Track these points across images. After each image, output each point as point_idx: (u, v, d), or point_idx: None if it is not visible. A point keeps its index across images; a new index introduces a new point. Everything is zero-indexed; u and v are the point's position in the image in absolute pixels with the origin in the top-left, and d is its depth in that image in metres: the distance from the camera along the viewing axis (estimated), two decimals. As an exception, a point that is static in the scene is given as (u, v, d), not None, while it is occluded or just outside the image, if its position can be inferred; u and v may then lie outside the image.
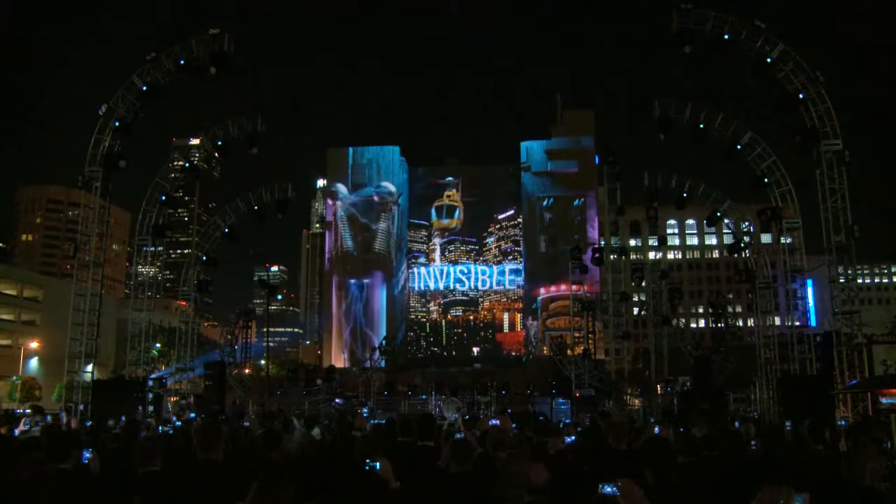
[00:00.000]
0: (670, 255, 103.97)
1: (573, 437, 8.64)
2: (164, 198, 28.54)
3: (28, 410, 17.07)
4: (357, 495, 4.92)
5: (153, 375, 29.86)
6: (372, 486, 4.96)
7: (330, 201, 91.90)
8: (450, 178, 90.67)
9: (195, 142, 39.18)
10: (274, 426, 10.12)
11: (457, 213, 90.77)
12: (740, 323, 71.51)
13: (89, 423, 16.13)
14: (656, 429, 11.61)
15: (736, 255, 31.11)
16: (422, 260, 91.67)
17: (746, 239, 29.06)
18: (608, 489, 3.89)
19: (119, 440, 10.04)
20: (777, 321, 28.77)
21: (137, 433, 9.96)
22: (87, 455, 5.70)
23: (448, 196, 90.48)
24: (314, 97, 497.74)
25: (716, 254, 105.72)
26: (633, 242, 56.25)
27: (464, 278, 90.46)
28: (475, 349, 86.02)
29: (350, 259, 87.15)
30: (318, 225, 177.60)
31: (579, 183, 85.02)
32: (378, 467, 5.07)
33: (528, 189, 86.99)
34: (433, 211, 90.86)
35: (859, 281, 28.65)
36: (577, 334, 45.61)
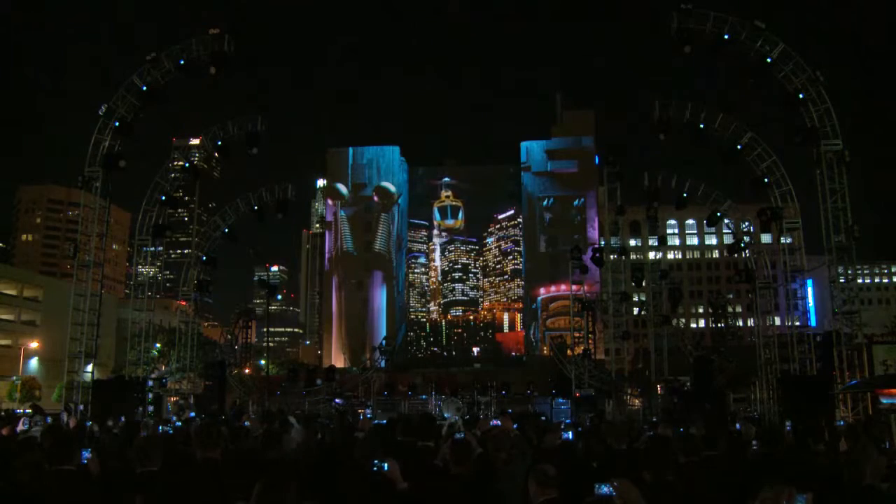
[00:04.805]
0: (670, 255, 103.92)
1: (570, 434, 8.63)
2: (164, 198, 28.50)
3: (28, 410, 17.07)
4: (366, 496, 4.93)
5: (153, 375, 29.84)
6: (380, 486, 4.97)
7: (330, 201, 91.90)
8: (446, 179, 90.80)
9: (195, 142, 39.24)
10: (273, 427, 10.12)
11: (460, 213, 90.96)
12: (740, 323, 71.63)
13: (89, 424, 16.13)
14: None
15: (736, 255, 31.08)
16: (422, 260, 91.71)
17: (746, 239, 29.04)
18: (605, 489, 3.89)
19: (118, 440, 10.04)
20: (777, 321, 28.78)
21: (136, 433, 9.96)
22: (87, 455, 5.70)
23: (447, 197, 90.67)
24: (314, 97, 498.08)
25: (716, 254, 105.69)
26: (633, 242, 56.42)
27: (464, 278, 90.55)
28: (475, 349, 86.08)
29: (350, 259, 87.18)
30: (318, 225, 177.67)
31: (579, 183, 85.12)
32: (386, 468, 5.08)
33: (528, 189, 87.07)
34: (436, 211, 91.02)
35: (859, 281, 28.63)
36: (577, 334, 45.62)
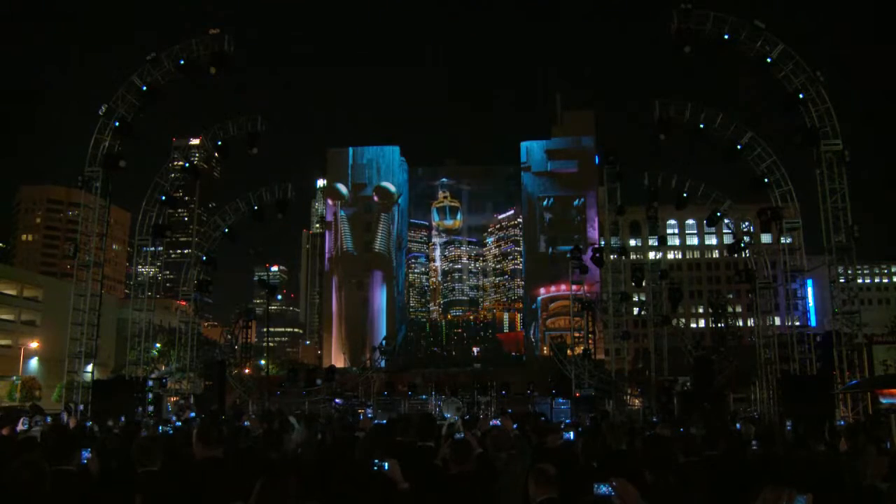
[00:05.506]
0: (670, 255, 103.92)
1: (571, 434, 8.63)
2: (164, 198, 28.53)
3: (28, 410, 17.09)
4: (366, 496, 4.93)
5: (153, 375, 29.85)
6: (380, 486, 4.97)
7: (330, 201, 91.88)
8: (444, 179, 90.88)
9: (195, 142, 39.26)
10: (273, 426, 10.12)
11: (459, 213, 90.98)
12: (740, 323, 71.58)
13: (89, 424, 16.13)
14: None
15: (736, 255, 31.10)
16: (422, 260, 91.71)
17: (746, 239, 29.05)
18: (603, 489, 3.89)
19: (118, 440, 10.03)
20: (777, 321, 28.78)
21: (137, 433, 9.95)
22: (87, 455, 5.70)
23: (445, 197, 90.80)
24: (314, 97, 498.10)
25: (716, 254, 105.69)
26: (633, 242, 56.43)
27: (464, 278, 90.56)
28: (475, 349, 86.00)
29: (350, 259, 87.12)
30: (318, 225, 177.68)
31: (579, 183, 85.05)
32: (387, 468, 5.08)
33: (528, 189, 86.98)
34: (435, 212, 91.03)
35: (859, 281, 28.63)
36: (577, 334, 45.63)
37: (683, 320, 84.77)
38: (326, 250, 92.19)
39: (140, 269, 30.92)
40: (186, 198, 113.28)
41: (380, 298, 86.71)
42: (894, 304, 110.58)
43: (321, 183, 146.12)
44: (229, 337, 36.04)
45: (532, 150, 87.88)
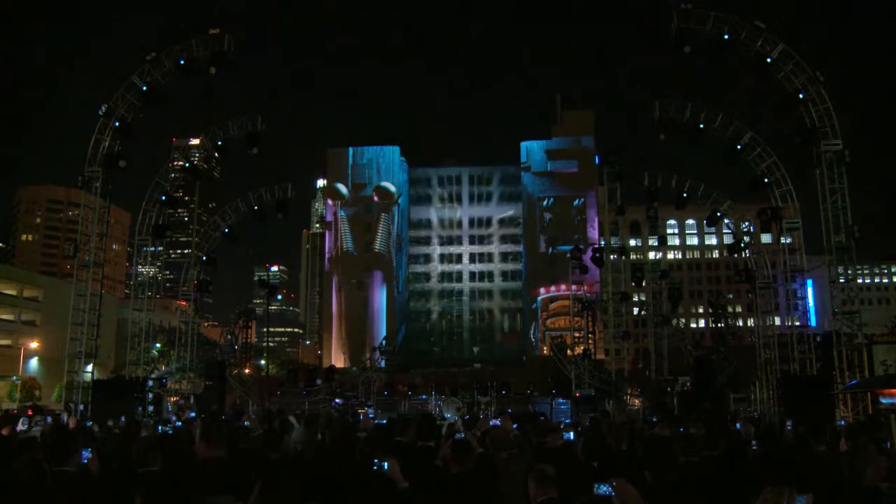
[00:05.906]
0: (670, 255, 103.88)
1: (571, 434, 8.63)
2: (164, 198, 28.53)
3: (28, 404, 17.10)
4: (367, 495, 4.93)
5: (153, 375, 29.86)
6: (380, 486, 4.97)
7: (330, 201, 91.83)
8: (445, 178, 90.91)
9: (195, 142, 39.27)
10: (273, 426, 10.12)
11: (458, 213, 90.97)
12: (740, 323, 71.58)
13: (89, 424, 16.13)
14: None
15: (736, 255, 31.12)
16: (422, 260, 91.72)
17: (746, 239, 29.06)
18: (603, 489, 3.89)
19: (118, 440, 10.04)
20: (777, 321, 28.80)
21: (137, 433, 9.96)
22: (87, 455, 5.70)
23: (444, 198, 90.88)
24: (314, 97, 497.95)
25: (716, 254, 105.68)
26: (633, 242, 56.39)
27: (464, 278, 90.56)
28: (475, 349, 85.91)
29: (350, 259, 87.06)
30: (318, 225, 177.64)
31: (579, 183, 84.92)
32: (387, 467, 5.09)
33: (528, 189, 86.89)
34: (434, 212, 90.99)
35: (859, 281, 28.63)
36: (577, 334, 45.61)
37: (683, 320, 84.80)
38: (326, 250, 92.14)
39: (140, 269, 30.93)
40: (186, 198, 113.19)
41: (380, 298, 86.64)
42: (894, 304, 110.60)
43: (321, 183, 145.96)
44: (229, 337, 36.04)
45: (532, 150, 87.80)
